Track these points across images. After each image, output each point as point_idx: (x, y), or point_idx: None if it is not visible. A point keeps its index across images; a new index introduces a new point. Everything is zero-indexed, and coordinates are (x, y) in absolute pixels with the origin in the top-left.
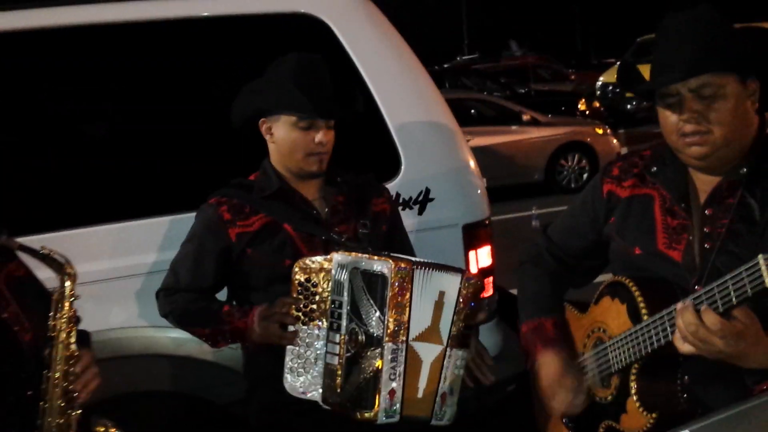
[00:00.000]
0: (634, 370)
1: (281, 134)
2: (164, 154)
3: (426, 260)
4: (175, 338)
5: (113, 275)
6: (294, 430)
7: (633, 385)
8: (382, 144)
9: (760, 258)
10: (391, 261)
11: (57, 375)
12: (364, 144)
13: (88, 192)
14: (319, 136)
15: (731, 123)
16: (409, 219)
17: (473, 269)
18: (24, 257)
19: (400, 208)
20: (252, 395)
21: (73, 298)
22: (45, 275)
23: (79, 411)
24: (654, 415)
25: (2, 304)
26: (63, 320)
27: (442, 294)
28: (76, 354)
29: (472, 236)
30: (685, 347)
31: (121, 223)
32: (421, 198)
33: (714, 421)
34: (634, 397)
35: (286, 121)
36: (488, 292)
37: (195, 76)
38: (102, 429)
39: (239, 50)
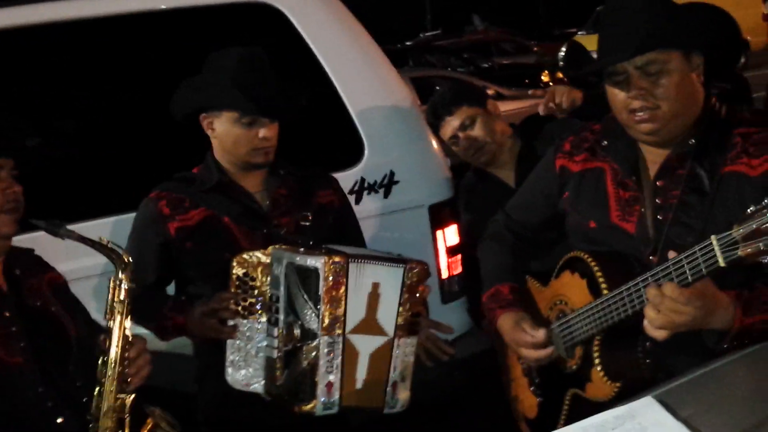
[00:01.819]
0: (596, 341)
1: (223, 130)
2: (123, 151)
3: (365, 252)
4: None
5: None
6: (240, 421)
7: (596, 354)
8: (345, 130)
9: (713, 239)
10: (324, 256)
11: (113, 359)
12: (326, 130)
13: (45, 193)
14: (262, 132)
15: (677, 97)
16: (375, 203)
17: (441, 249)
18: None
19: (365, 192)
20: (200, 386)
21: (128, 286)
22: None
23: (133, 396)
24: (618, 383)
25: (49, 302)
26: (119, 305)
27: (376, 285)
28: (131, 339)
29: (439, 216)
30: (659, 333)
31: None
32: (386, 181)
33: (676, 385)
34: (598, 367)
35: (228, 117)
36: (457, 270)
37: (154, 70)
38: (151, 416)
39: (198, 42)
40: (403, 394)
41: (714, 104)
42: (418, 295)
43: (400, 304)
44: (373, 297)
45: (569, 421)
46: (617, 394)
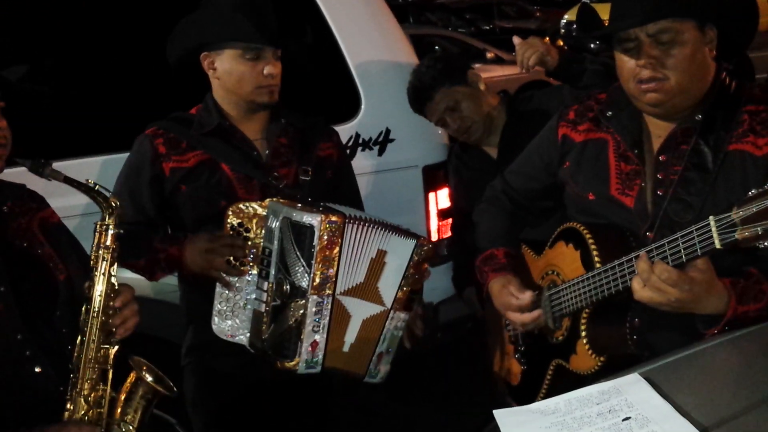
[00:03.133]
0: (585, 314)
1: (226, 68)
2: (115, 93)
3: (370, 217)
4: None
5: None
6: (222, 371)
7: (583, 327)
8: (342, 83)
9: (711, 220)
10: (321, 214)
11: (96, 308)
12: (323, 83)
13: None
14: (268, 68)
15: (688, 70)
16: (368, 160)
17: (432, 211)
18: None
19: (359, 149)
20: (185, 334)
21: (115, 231)
22: None
23: (117, 347)
24: (602, 357)
25: (36, 244)
26: (105, 252)
27: (382, 253)
28: (116, 288)
29: (432, 178)
30: (643, 293)
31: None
32: (381, 138)
33: (663, 363)
34: (584, 340)
35: (232, 54)
36: (446, 233)
37: (146, 9)
38: (136, 367)
39: None
40: (385, 367)
41: (724, 80)
42: (421, 272)
43: (403, 278)
44: (377, 264)
45: (551, 390)
46: (601, 368)
